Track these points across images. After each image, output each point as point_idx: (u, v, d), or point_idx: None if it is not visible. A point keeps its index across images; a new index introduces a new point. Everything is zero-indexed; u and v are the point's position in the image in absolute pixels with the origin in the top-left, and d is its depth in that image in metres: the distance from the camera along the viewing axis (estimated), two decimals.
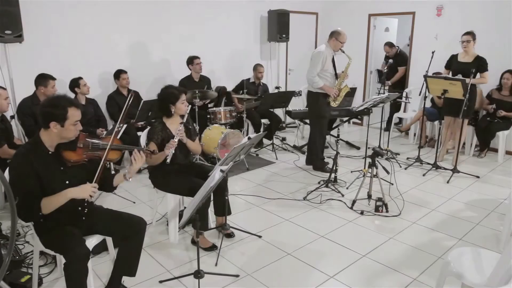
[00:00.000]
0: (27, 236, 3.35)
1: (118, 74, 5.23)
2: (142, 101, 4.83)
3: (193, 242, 3.30)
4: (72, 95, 4.78)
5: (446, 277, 2.27)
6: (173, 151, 3.08)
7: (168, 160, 3.03)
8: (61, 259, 2.61)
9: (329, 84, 4.78)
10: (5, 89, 3.75)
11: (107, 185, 2.56)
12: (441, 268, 2.34)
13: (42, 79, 4.26)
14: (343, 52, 4.72)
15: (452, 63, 5.19)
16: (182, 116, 3.31)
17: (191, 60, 5.73)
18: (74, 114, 2.24)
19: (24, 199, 2.14)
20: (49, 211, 2.20)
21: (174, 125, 3.27)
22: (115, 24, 5.44)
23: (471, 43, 4.96)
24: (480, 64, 4.92)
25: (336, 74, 4.82)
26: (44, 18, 4.85)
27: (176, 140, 3.12)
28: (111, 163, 4.26)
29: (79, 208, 2.42)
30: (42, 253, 2.85)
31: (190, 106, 3.37)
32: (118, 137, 3.95)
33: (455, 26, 5.67)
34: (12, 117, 4.20)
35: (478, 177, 4.86)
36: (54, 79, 4.31)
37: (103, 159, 2.34)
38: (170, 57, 6.09)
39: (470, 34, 4.96)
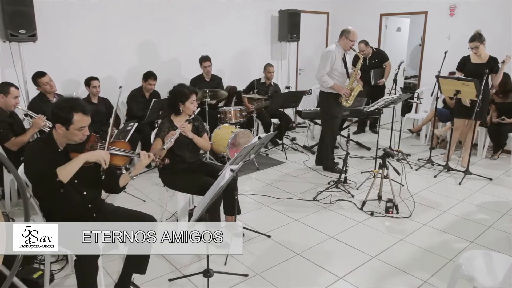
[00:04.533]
0: None
1: (147, 78, 5.22)
2: (153, 100, 4.87)
3: None
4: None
5: (458, 280, 2.24)
6: (172, 142, 3.06)
7: (164, 146, 3.00)
8: (72, 256, 2.65)
9: (339, 83, 4.76)
10: (17, 88, 3.85)
11: (114, 186, 2.55)
12: (452, 270, 2.31)
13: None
14: (354, 50, 4.69)
15: (466, 65, 5.08)
16: (189, 116, 3.33)
17: (200, 62, 5.76)
18: (80, 120, 2.25)
19: (39, 177, 2.18)
20: (67, 178, 2.20)
21: (181, 123, 3.28)
22: (128, 24, 5.50)
23: (480, 47, 4.84)
24: (495, 65, 4.84)
25: (347, 73, 4.78)
26: (58, 18, 4.92)
27: (177, 132, 3.13)
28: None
29: (89, 206, 2.44)
30: None
31: (199, 109, 3.39)
32: (128, 137, 3.98)
33: (469, 26, 5.60)
34: (26, 115, 4.26)
35: (490, 179, 4.79)
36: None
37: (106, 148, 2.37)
38: (180, 57, 6.12)
39: (477, 39, 4.81)
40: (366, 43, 6.61)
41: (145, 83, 5.24)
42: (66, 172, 2.20)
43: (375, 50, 6.80)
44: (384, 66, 6.76)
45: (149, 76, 5.22)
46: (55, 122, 2.26)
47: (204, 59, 5.74)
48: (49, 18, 4.81)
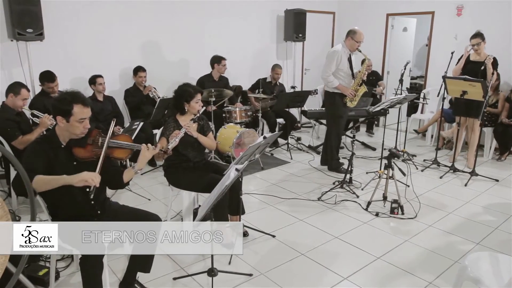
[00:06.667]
0: None
1: (136, 71, 5.30)
2: (159, 99, 4.88)
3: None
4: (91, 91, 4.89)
5: (463, 281, 2.23)
6: (176, 141, 3.06)
7: (169, 146, 2.99)
8: (77, 254, 2.66)
9: (344, 84, 4.74)
10: (29, 90, 3.93)
11: (118, 182, 2.55)
12: (457, 272, 2.30)
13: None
14: (360, 51, 4.67)
15: (465, 63, 5.13)
16: (195, 115, 3.34)
17: (218, 60, 5.73)
18: (80, 111, 2.27)
19: (25, 169, 2.12)
20: (40, 189, 2.16)
21: (186, 123, 3.29)
22: (134, 23, 5.52)
23: (481, 45, 4.91)
24: (492, 64, 4.86)
25: (353, 74, 4.77)
26: (64, 17, 4.95)
27: (182, 132, 3.13)
28: (127, 160, 4.32)
29: (92, 202, 2.45)
30: None
31: (204, 108, 3.39)
32: (134, 136, 4.00)
33: (476, 26, 5.56)
34: (33, 115, 4.30)
35: (497, 180, 4.76)
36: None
37: (102, 153, 2.32)
38: (185, 57, 6.13)
39: (478, 36, 4.90)
40: None
41: (136, 76, 5.31)
42: (42, 184, 2.14)
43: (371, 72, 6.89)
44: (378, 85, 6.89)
45: (138, 69, 5.30)
46: (55, 115, 2.28)
47: (222, 58, 5.75)
48: (56, 17, 4.84)
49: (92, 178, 2.17)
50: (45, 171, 2.22)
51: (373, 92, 6.72)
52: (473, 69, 4.93)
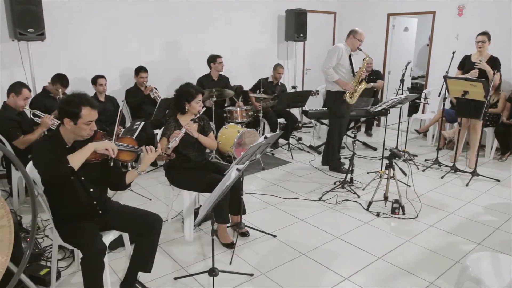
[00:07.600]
0: (47, 230, 3.43)
1: (138, 71, 5.30)
2: (160, 99, 4.88)
3: (216, 234, 3.31)
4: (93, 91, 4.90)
5: (464, 281, 2.23)
6: (177, 141, 3.07)
7: (169, 145, 3.00)
8: (78, 254, 2.67)
9: (344, 80, 4.73)
10: (30, 90, 3.95)
11: (120, 183, 2.57)
12: (459, 272, 2.29)
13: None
14: (361, 50, 4.67)
15: (466, 64, 5.15)
16: (195, 115, 3.35)
17: (214, 59, 5.74)
18: (88, 114, 2.27)
19: (51, 163, 2.17)
20: (77, 164, 2.22)
21: (187, 123, 3.29)
22: (135, 23, 5.53)
23: (486, 44, 4.93)
24: (495, 65, 4.88)
25: (353, 71, 4.77)
26: (66, 17, 4.96)
27: (182, 132, 3.13)
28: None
29: (95, 203, 2.46)
30: (60, 247, 2.90)
31: (204, 108, 3.39)
32: (135, 135, 4.01)
33: (477, 26, 5.56)
34: (34, 115, 4.31)
35: (498, 180, 4.75)
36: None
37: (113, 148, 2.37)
38: (189, 56, 6.14)
39: (486, 34, 4.92)
40: None
41: (137, 77, 5.31)
42: (76, 159, 2.22)
43: (373, 70, 6.90)
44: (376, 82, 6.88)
45: (140, 69, 5.30)
46: (63, 117, 2.27)
47: (217, 56, 5.76)
48: (57, 17, 4.85)
49: (112, 148, 2.33)
50: None
51: (374, 90, 6.72)
52: (473, 69, 4.95)
